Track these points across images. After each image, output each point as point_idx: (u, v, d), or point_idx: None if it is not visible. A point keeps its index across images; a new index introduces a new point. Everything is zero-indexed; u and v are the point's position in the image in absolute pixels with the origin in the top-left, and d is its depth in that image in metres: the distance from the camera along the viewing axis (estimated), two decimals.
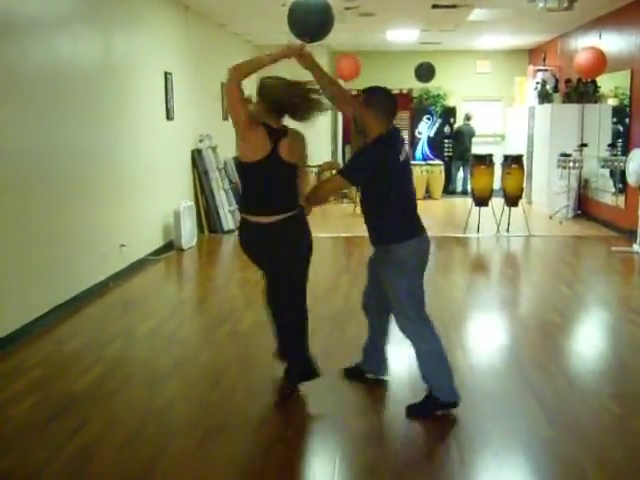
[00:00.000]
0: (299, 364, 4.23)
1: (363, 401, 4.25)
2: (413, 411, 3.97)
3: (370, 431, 3.80)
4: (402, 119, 15.45)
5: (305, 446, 3.70)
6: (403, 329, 4.03)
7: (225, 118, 11.82)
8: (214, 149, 10.50)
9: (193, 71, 9.92)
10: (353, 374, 4.52)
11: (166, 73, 8.76)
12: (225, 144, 11.53)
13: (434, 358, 3.99)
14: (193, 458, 3.51)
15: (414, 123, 15.49)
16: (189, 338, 5.55)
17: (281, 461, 3.48)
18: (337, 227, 10.77)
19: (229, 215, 10.29)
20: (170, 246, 8.72)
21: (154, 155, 8.37)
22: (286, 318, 4.23)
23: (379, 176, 3.88)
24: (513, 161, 10.04)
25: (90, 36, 6.69)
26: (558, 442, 3.65)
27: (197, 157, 9.97)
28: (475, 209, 10.08)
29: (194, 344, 5.41)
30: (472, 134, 14.80)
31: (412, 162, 14.55)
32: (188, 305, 6.71)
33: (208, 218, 10.06)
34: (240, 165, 4.12)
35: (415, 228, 4.00)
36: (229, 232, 10.06)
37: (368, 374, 4.49)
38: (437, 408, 3.95)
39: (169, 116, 8.87)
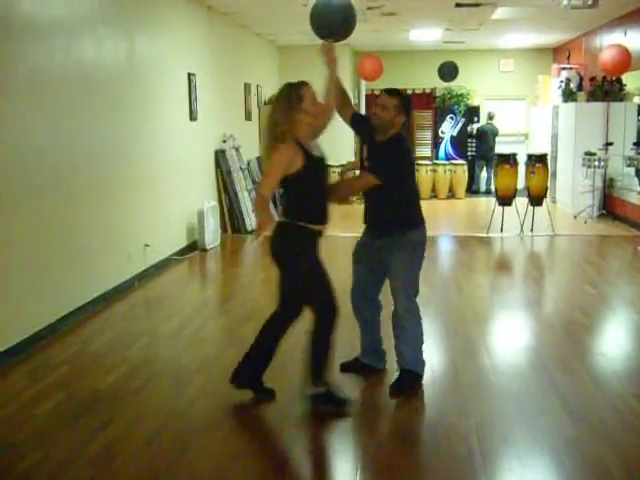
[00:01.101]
0: None
1: (377, 400, 4.25)
2: (396, 390, 4.19)
3: (390, 432, 3.80)
4: (425, 118, 15.41)
5: (328, 444, 3.70)
6: (408, 310, 4.26)
7: (248, 119, 11.88)
8: (237, 149, 10.54)
9: (216, 72, 9.97)
10: (352, 367, 4.61)
11: (189, 74, 8.81)
12: (248, 144, 11.59)
13: (420, 339, 4.32)
14: (217, 456, 3.53)
15: (437, 122, 15.44)
16: (213, 337, 5.59)
17: (303, 458, 3.50)
18: (360, 227, 10.73)
19: (252, 215, 10.33)
20: (194, 246, 8.77)
21: (178, 156, 8.42)
22: None
23: (405, 167, 4.23)
24: (537, 160, 9.97)
25: (114, 38, 6.75)
26: (583, 442, 3.62)
27: (220, 157, 10.02)
28: (499, 209, 10.02)
29: (218, 343, 5.44)
30: (495, 133, 14.68)
31: (436, 161, 14.62)
32: (212, 304, 6.74)
33: (231, 218, 10.11)
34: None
35: (422, 216, 4.38)
36: (252, 232, 10.09)
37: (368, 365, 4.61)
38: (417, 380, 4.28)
39: (192, 117, 8.92)
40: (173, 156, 8.26)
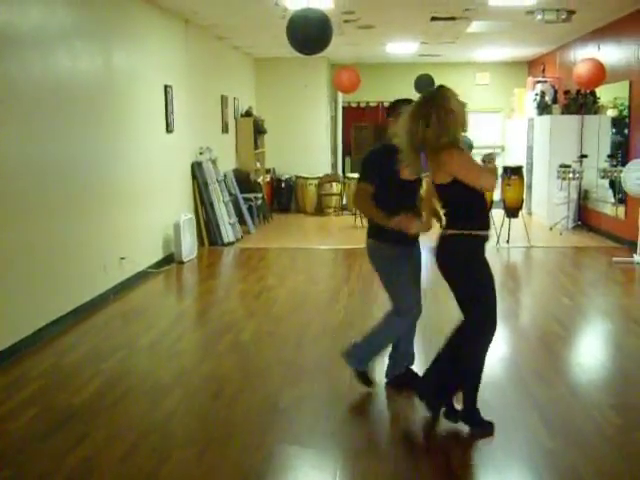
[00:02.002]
0: None
1: (361, 415, 4.24)
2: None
3: (368, 444, 3.79)
4: None
5: (307, 457, 3.68)
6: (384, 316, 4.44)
7: (225, 131, 11.87)
8: (214, 162, 10.52)
9: (193, 84, 9.96)
10: (404, 381, 4.46)
11: (166, 86, 8.78)
12: (225, 157, 11.59)
13: (377, 347, 4.49)
14: (194, 469, 3.51)
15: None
16: (190, 350, 5.55)
17: (283, 472, 3.47)
18: (338, 239, 10.79)
19: (229, 227, 10.30)
20: (170, 259, 8.72)
21: (154, 168, 8.39)
22: None
23: None
24: (513, 172, 10.04)
25: (90, 50, 6.73)
26: (559, 453, 3.64)
27: (197, 169, 9.99)
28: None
29: (195, 356, 5.41)
30: (470, 145, 14.58)
31: None
32: (188, 317, 6.70)
33: (208, 230, 10.07)
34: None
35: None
36: (229, 244, 10.07)
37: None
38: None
39: (169, 129, 8.90)
40: (149, 168, 8.22)
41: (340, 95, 14.74)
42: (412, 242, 4.30)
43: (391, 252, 4.25)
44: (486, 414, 3.96)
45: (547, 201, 11.97)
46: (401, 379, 4.47)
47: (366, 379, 4.47)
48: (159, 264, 8.43)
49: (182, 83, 9.43)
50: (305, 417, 4.16)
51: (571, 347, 5.70)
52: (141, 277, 7.78)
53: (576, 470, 3.45)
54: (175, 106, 9.06)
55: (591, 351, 5.64)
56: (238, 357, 5.27)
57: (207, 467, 3.52)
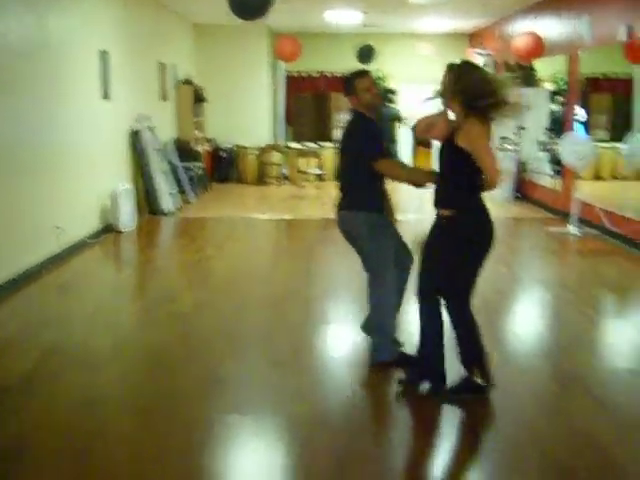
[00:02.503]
0: None
1: (303, 387, 4.23)
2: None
3: (309, 412, 3.78)
4: (343, 101, 15.42)
5: (247, 426, 3.66)
6: None
7: (164, 98, 11.63)
8: (152, 130, 10.30)
9: (131, 50, 9.70)
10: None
11: (102, 52, 8.52)
12: (164, 125, 11.37)
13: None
14: (132, 441, 3.45)
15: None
16: (128, 321, 5.44)
17: (223, 441, 3.45)
18: (278, 209, 10.73)
19: (168, 197, 10.14)
20: (109, 229, 8.54)
21: (90, 135, 8.16)
22: None
23: None
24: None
25: (21, 11, 6.46)
26: (498, 422, 3.70)
27: (135, 138, 9.77)
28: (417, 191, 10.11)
29: (134, 327, 5.30)
30: (392, 117, 12.17)
31: None
32: (127, 288, 6.58)
33: (147, 200, 9.88)
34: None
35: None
36: (169, 214, 9.91)
37: None
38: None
39: (105, 96, 8.65)
40: (85, 136, 7.99)
41: (282, 64, 14.57)
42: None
43: (380, 220, 4.31)
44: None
45: None
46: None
47: (405, 358, 4.30)
48: (97, 234, 8.24)
49: (119, 49, 9.17)
50: (246, 386, 4.13)
51: (509, 315, 5.80)
52: (78, 247, 7.60)
53: (514, 437, 3.51)
54: (112, 72, 8.81)
55: (528, 319, 5.75)
56: (178, 328, 5.21)
57: (147, 438, 3.47)
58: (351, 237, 4.39)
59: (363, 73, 4.36)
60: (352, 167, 4.29)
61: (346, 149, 4.36)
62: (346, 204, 4.34)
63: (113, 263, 7.88)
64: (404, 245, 4.44)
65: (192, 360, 4.52)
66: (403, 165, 4.35)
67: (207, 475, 3.18)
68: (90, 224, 8.19)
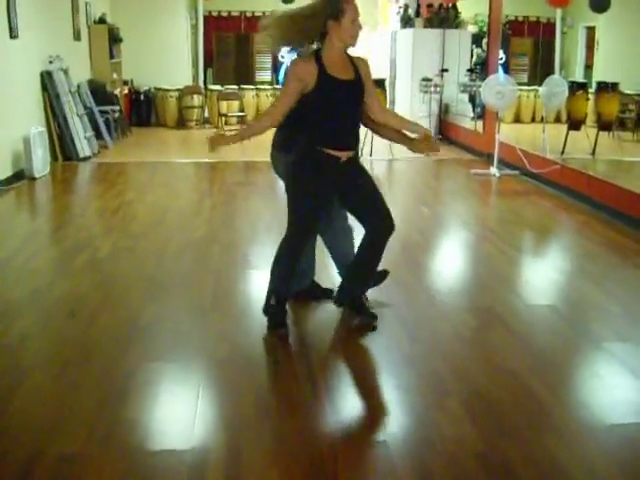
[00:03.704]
0: None
1: (225, 327, 4.17)
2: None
3: (231, 356, 3.74)
4: (264, 43, 15.12)
5: (169, 373, 3.59)
6: None
7: (77, 38, 11.13)
8: (65, 71, 9.85)
9: None
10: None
11: None
12: (78, 66, 10.91)
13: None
14: (50, 392, 3.34)
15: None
16: (43, 269, 5.22)
17: (144, 388, 3.38)
18: (199, 152, 10.51)
19: (85, 142, 9.77)
20: (21, 175, 8.19)
21: None
22: None
23: None
24: (376, 85, 10.02)
25: None
26: (419, 357, 3.74)
27: (47, 80, 9.33)
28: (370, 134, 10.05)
29: (49, 275, 5.10)
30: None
31: (276, 86, 14.37)
32: (41, 235, 6.32)
33: (62, 145, 9.50)
34: None
35: None
36: (85, 159, 9.57)
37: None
38: None
39: (12, 34, 8.19)
40: None
41: (201, 3, 14.12)
42: None
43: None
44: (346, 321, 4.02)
45: (410, 114, 12.07)
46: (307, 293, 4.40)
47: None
48: (8, 181, 7.89)
49: None
50: (167, 333, 4.04)
51: (431, 255, 5.85)
52: None
53: (435, 371, 3.55)
54: (18, 9, 8.33)
55: (449, 258, 5.82)
56: (95, 275, 5.05)
57: (64, 388, 3.35)
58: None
59: None
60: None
61: None
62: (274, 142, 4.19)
63: (26, 211, 7.57)
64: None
65: (111, 308, 4.40)
66: None
67: (129, 425, 3.09)
68: (1, 170, 7.83)
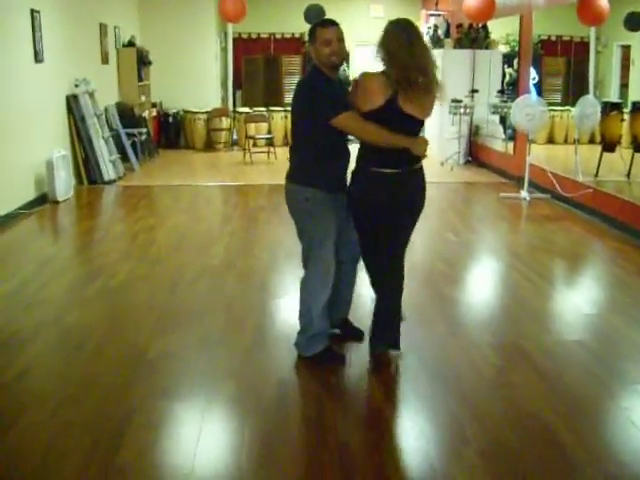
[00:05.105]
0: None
1: (235, 368, 3.98)
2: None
3: (237, 396, 3.55)
4: (294, 64, 15.11)
5: (172, 412, 3.40)
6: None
7: (105, 61, 11.13)
8: (91, 94, 9.83)
9: (66, 9, 9.19)
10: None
11: (33, 10, 8.03)
12: (106, 89, 10.90)
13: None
14: (44, 431, 3.17)
15: (306, 68, 15.10)
16: (54, 298, 5.08)
17: (144, 428, 3.19)
18: (226, 175, 10.42)
19: (110, 165, 9.72)
20: (44, 199, 8.14)
21: (22, 101, 7.71)
22: None
23: None
24: None
25: None
26: (436, 398, 3.51)
27: (73, 103, 9.31)
28: None
29: (59, 304, 4.95)
30: (344, 82, 12.66)
31: None
32: (57, 261, 6.19)
33: (87, 168, 9.45)
34: None
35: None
36: (110, 182, 9.51)
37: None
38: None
39: (38, 58, 8.17)
40: (17, 101, 7.56)
41: (230, 26, 14.09)
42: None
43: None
44: (364, 356, 3.81)
45: (439, 136, 11.88)
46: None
47: (334, 355, 3.97)
48: (31, 204, 7.84)
49: (53, 8, 8.68)
50: (173, 369, 3.87)
51: (456, 285, 5.58)
52: (10, 218, 7.22)
53: (453, 414, 3.32)
54: (45, 33, 8.33)
55: (475, 289, 5.57)
56: (106, 304, 4.92)
57: (58, 427, 3.20)
58: (290, 211, 3.93)
59: (327, 23, 3.72)
60: (302, 132, 3.77)
61: (297, 109, 3.77)
62: (290, 175, 3.87)
63: (46, 236, 7.48)
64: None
65: (119, 341, 4.24)
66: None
67: (120, 473, 2.90)
68: (24, 194, 7.79)
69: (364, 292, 4.41)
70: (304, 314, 3.88)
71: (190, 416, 3.36)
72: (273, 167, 11.08)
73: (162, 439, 3.18)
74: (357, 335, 4.17)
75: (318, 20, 3.99)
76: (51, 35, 8.54)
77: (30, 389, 3.65)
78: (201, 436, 3.12)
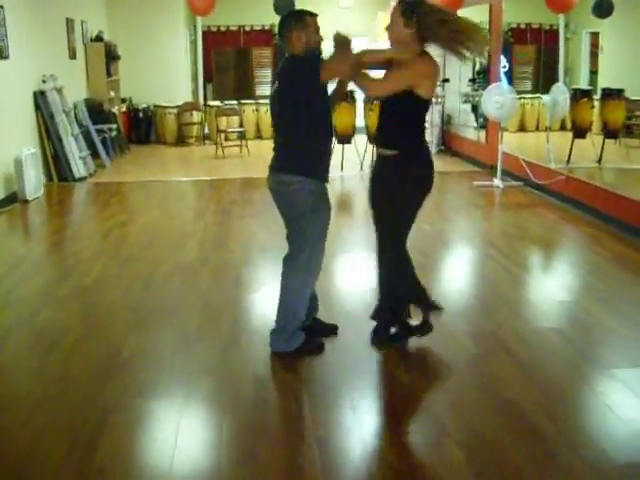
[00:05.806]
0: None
1: (209, 360, 3.94)
2: None
3: (214, 393, 3.52)
4: (264, 56, 15.01)
5: (148, 411, 3.36)
6: None
7: (73, 57, 10.98)
8: (60, 91, 9.68)
9: (31, 3, 9.03)
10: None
11: None
12: (74, 85, 10.75)
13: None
14: (19, 435, 3.12)
15: (277, 60, 15.02)
16: (26, 298, 4.99)
17: (120, 428, 3.15)
18: (198, 170, 10.34)
19: (80, 162, 9.59)
20: (13, 198, 8.01)
21: None
22: None
23: None
24: (375, 98, 9.81)
25: None
26: (414, 387, 3.51)
27: (40, 99, 9.16)
28: (339, 146, 9.84)
29: (31, 305, 4.86)
30: None
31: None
32: (29, 261, 6.09)
33: (57, 166, 9.32)
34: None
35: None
36: (81, 180, 9.39)
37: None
38: None
39: (3, 54, 8.04)
40: None
41: (199, 19, 13.97)
42: None
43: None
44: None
45: None
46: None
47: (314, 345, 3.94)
48: (0, 204, 7.72)
49: (17, 2, 8.52)
50: (149, 367, 3.83)
51: (432, 275, 5.57)
52: None
53: (430, 402, 3.32)
54: (9, 29, 8.18)
55: (450, 278, 5.57)
56: (80, 303, 4.86)
57: (35, 429, 3.14)
58: (280, 203, 3.85)
59: (312, 12, 3.88)
60: (291, 118, 3.69)
61: (285, 94, 3.69)
62: (281, 165, 3.79)
63: (16, 235, 7.36)
64: None
65: (93, 340, 4.19)
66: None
67: (97, 476, 2.86)
68: None
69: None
70: (286, 314, 3.82)
71: (167, 414, 3.33)
72: (245, 161, 11.02)
73: (140, 438, 3.14)
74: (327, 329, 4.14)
75: (287, 11, 3.97)
76: (16, 31, 8.39)
77: (4, 391, 3.59)
78: (179, 434, 3.09)
